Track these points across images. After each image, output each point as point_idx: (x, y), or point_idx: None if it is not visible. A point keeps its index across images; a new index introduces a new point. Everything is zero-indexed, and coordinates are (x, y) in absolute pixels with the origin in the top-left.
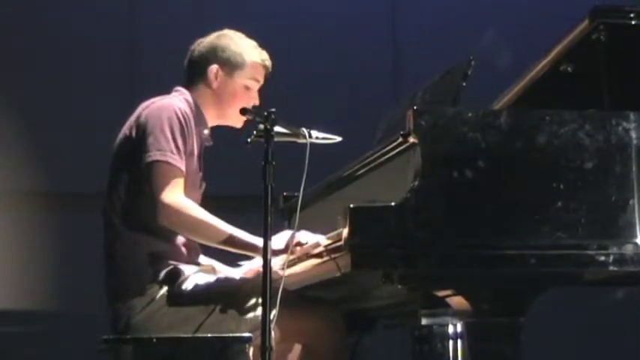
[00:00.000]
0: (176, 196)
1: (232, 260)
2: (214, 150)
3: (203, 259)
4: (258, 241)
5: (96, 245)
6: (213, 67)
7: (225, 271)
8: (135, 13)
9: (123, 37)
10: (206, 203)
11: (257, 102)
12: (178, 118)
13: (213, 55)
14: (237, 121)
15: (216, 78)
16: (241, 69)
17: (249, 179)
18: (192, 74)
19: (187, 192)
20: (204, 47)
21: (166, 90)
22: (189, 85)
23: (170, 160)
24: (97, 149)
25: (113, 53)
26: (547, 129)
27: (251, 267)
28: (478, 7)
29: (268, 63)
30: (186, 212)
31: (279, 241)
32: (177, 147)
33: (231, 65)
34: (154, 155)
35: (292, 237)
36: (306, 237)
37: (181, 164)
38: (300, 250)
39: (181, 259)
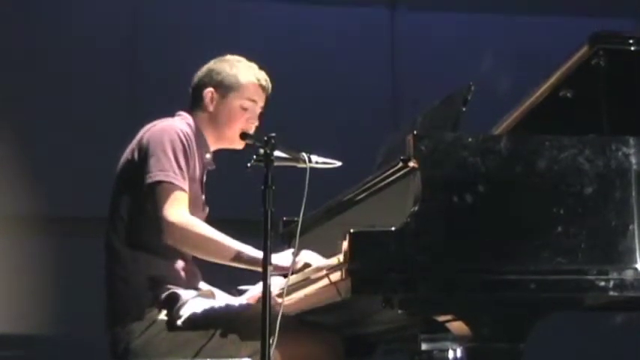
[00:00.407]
0: (180, 213)
1: (235, 279)
2: (214, 174)
3: (203, 285)
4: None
5: (95, 269)
6: (208, 91)
7: (224, 298)
8: (137, 40)
9: (124, 63)
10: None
11: (256, 122)
12: (180, 140)
13: (209, 78)
14: (237, 142)
15: (211, 101)
16: (236, 90)
17: (248, 203)
18: (193, 100)
19: (191, 214)
20: (201, 72)
21: (168, 116)
22: (190, 111)
23: (173, 180)
24: (97, 174)
25: (114, 79)
26: (547, 154)
27: (252, 294)
28: (477, 33)
29: (265, 83)
30: (192, 229)
31: (284, 258)
32: (179, 167)
33: (225, 87)
34: (155, 175)
35: (293, 262)
36: (310, 257)
37: (184, 184)
38: (300, 274)
39: (180, 284)
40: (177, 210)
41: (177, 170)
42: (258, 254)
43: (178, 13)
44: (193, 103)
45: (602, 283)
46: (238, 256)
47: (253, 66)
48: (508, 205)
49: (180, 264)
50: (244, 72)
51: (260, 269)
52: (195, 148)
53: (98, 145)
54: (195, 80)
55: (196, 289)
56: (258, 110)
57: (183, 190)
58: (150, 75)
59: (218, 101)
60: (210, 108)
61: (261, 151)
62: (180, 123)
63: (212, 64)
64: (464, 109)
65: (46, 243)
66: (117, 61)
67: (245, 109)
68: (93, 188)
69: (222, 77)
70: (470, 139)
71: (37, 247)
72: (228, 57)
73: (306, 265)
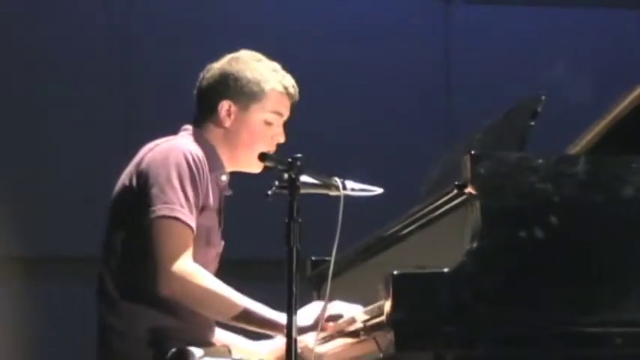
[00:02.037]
0: (183, 261)
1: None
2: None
3: (220, 333)
4: (281, 317)
5: (86, 320)
6: (225, 103)
7: (246, 349)
8: (130, 54)
9: (116, 87)
10: (218, 270)
11: (282, 138)
12: (189, 164)
13: (224, 85)
14: (255, 165)
15: (229, 115)
16: (259, 101)
17: (268, 240)
18: (201, 110)
19: (202, 252)
20: (212, 77)
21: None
22: (198, 123)
23: (179, 216)
24: (89, 207)
25: (104, 107)
26: (635, 179)
27: (274, 347)
28: (547, 30)
29: (293, 90)
30: (194, 281)
31: (306, 315)
32: (187, 199)
33: (246, 97)
34: (159, 210)
35: (323, 310)
36: (340, 309)
37: (192, 220)
38: (332, 327)
39: (190, 339)
40: (180, 255)
41: (184, 203)
42: (273, 314)
43: (178, 46)
44: (201, 114)
45: None
46: (249, 316)
47: (277, 67)
48: (587, 241)
49: (189, 314)
50: (268, 77)
51: (275, 333)
52: (207, 171)
53: (89, 202)
54: (204, 85)
55: (210, 343)
56: (282, 123)
57: (190, 228)
58: (146, 124)
59: (237, 115)
60: (227, 123)
61: (285, 175)
62: (188, 142)
63: (225, 65)
64: (532, 123)
65: (25, 287)
66: (110, 110)
67: (269, 124)
68: (83, 222)
69: (241, 85)
70: (540, 161)
71: (15, 292)
72: (243, 54)
73: (331, 320)
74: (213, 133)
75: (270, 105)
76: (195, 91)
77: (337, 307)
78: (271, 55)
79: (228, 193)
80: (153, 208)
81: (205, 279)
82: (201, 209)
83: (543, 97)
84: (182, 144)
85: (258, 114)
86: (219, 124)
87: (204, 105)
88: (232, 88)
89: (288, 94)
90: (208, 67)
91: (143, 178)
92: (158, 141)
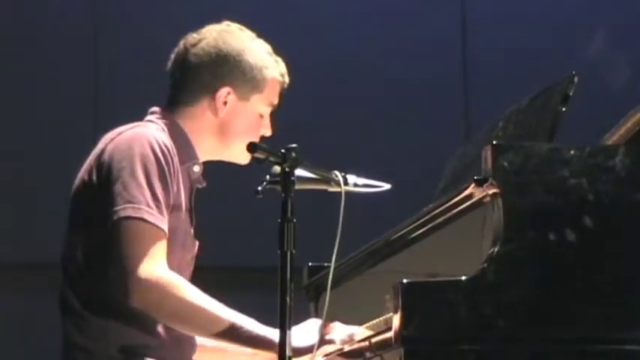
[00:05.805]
0: (156, 268)
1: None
2: (207, 203)
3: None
4: (273, 334)
5: (47, 335)
6: (224, 91)
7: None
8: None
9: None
10: (195, 279)
11: (269, 131)
12: (156, 155)
13: (224, 68)
14: (243, 156)
15: (225, 104)
16: (260, 91)
17: (258, 244)
18: (185, 89)
19: (178, 257)
20: (207, 55)
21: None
22: (175, 103)
23: (146, 217)
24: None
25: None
26: None
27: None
28: (572, 17)
29: (287, 78)
30: (170, 291)
31: (302, 334)
32: (155, 198)
33: (248, 86)
34: (123, 210)
35: (322, 326)
36: (340, 331)
37: (162, 221)
38: (332, 348)
39: (168, 356)
40: (152, 261)
41: (152, 202)
42: (263, 330)
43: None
44: (185, 94)
45: None
46: (234, 332)
47: (270, 49)
48: (626, 245)
49: (164, 328)
50: (268, 63)
51: (265, 352)
52: (177, 163)
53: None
54: (194, 62)
55: None
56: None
57: (161, 229)
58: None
59: (234, 105)
60: (221, 113)
61: (278, 169)
62: (156, 130)
63: (220, 43)
64: (564, 109)
65: None
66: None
67: (262, 117)
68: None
69: (244, 71)
70: (573, 152)
71: None
72: (234, 29)
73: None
74: (198, 118)
75: (267, 96)
76: (172, 66)
77: (337, 329)
78: (275, 42)
79: (202, 185)
80: (115, 209)
81: (184, 289)
82: (172, 209)
83: (576, 78)
84: (147, 132)
85: (258, 105)
86: (211, 110)
87: (193, 84)
88: (234, 73)
89: (281, 82)
90: (191, 38)
91: (104, 172)
92: (121, 128)
